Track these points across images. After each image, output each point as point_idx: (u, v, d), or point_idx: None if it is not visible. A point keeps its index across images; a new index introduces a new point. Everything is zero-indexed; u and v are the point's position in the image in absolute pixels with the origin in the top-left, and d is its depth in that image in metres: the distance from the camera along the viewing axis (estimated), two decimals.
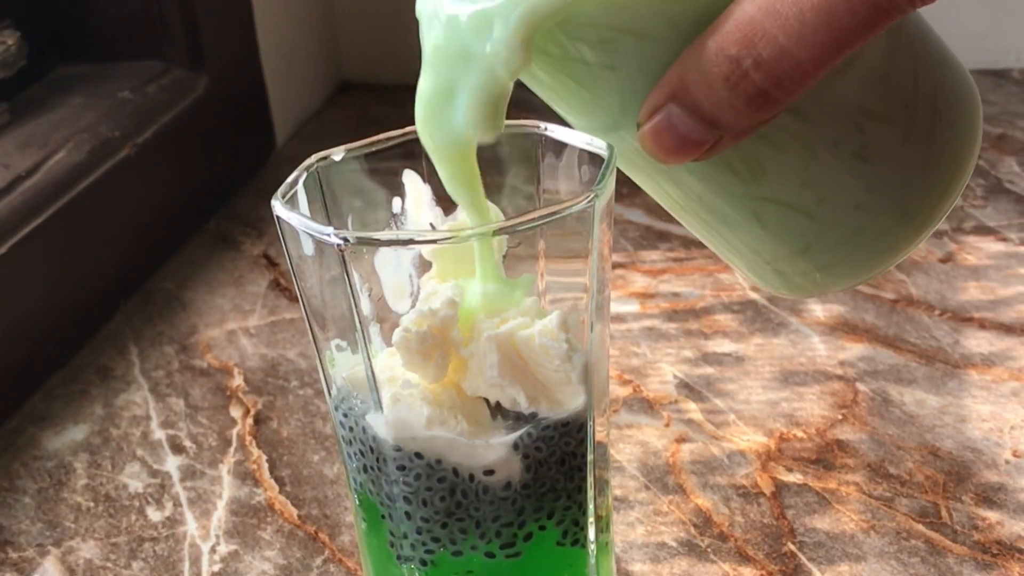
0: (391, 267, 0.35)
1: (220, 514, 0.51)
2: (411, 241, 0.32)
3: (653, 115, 0.27)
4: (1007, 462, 0.51)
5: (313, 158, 0.36)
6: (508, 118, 0.37)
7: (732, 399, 0.57)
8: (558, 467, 0.35)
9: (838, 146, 0.29)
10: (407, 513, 0.35)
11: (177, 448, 0.56)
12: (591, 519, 0.37)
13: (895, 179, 0.30)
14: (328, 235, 0.31)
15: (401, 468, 0.34)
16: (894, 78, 0.29)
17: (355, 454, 0.36)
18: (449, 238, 0.32)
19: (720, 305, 0.65)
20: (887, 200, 0.30)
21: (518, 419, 0.34)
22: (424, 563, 0.36)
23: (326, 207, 0.36)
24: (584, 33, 0.28)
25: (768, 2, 0.24)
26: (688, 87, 0.26)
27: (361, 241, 0.31)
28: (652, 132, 0.27)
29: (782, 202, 0.30)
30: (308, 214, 0.35)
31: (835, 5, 0.24)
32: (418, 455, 0.34)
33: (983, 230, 0.72)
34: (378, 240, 0.32)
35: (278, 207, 0.33)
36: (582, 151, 0.36)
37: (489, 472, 0.34)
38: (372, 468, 0.35)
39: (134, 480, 0.54)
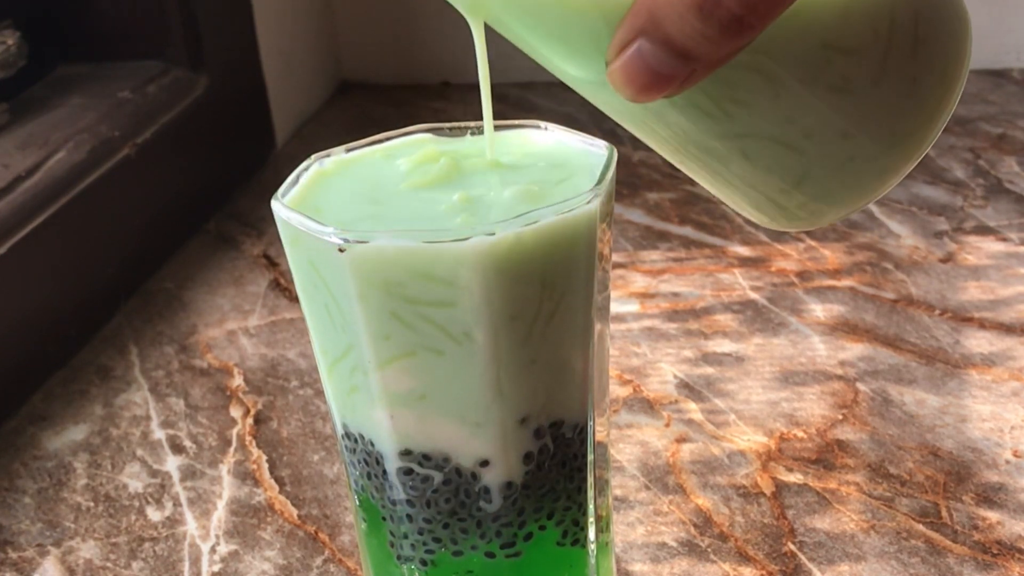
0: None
1: (220, 514, 0.51)
2: (410, 241, 0.31)
3: (622, 51, 0.26)
4: (1007, 462, 0.51)
5: (313, 158, 0.36)
6: (509, 118, 0.37)
7: (732, 399, 0.57)
8: (558, 467, 0.35)
9: (814, 81, 0.29)
10: (409, 515, 0.35)
11: (177, 448, 0.56)
12: (591, 519, 0.37)
13: (879, 106, 0.30)
14: (328, 235, 0.31)
15: (407, 473, 0.34)
16: (858, 10, 0.28)
17: (358, 462, 0.36)
18: (448, 238, 0.32)
19: (720, 305, 0.65)
20: (874, 127, 0.30)
21: (523, 422, 0.34)
22: (424, 563, 0.36)
23: None
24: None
25: None
26: (658, 20, 0.25)
27: (361, 241, 0.31)
28: (622, 68, 0.26)
29: (767, 137, 0.30)
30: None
31: None
32: (426, 457, 0.34)
33: (983, 230, 0.72)
34: (378, 240, 0.32)
35: (278, 207, 0.33)
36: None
37: (484, 463, 0.34)
38: (375, 476, 0.35)
39: (134, 480, 0.54)
